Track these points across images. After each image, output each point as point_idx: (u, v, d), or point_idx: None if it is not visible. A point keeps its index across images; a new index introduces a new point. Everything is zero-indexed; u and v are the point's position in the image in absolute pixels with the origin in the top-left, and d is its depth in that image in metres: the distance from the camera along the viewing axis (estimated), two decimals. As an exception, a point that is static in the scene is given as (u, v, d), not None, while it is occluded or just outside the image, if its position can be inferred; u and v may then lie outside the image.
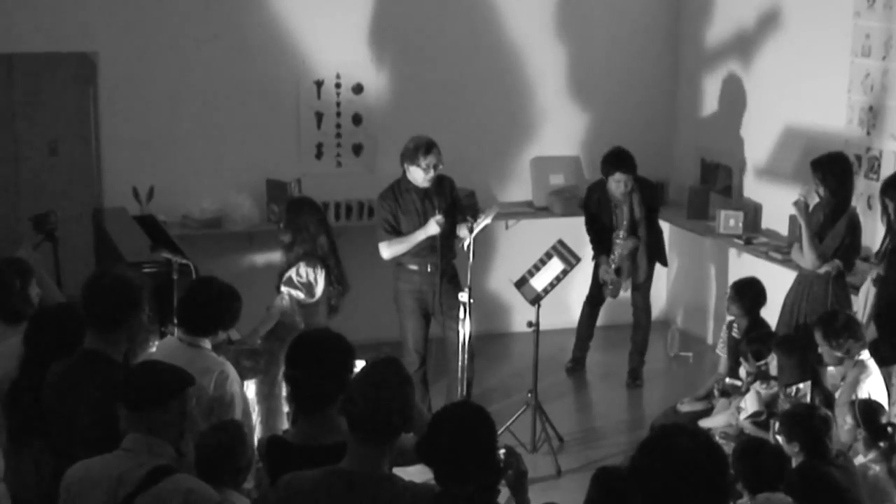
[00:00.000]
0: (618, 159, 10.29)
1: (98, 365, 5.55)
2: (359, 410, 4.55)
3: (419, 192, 9.24)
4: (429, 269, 9.29)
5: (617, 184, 10.27)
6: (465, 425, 4.57)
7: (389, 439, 4.61)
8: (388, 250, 9.31)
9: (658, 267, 10.95)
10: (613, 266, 10.52)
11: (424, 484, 4.71)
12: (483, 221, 9.08)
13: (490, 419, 4.64)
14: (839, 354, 7.76)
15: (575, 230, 10.71)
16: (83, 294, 5.78)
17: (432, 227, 9.09)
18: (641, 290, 10.84)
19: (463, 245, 9.10)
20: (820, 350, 7.87)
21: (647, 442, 3.74)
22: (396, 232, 9.26)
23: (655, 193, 10.84)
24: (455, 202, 9.45)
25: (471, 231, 9.00)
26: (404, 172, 9.25)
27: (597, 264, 10.72)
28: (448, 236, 9.22)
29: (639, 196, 10.38)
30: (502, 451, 4.73)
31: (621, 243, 10.45)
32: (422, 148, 9.11)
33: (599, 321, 11.25)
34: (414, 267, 9.32)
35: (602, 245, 10.57)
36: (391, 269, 9.56)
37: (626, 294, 10.90)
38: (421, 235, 9.16)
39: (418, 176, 9.15)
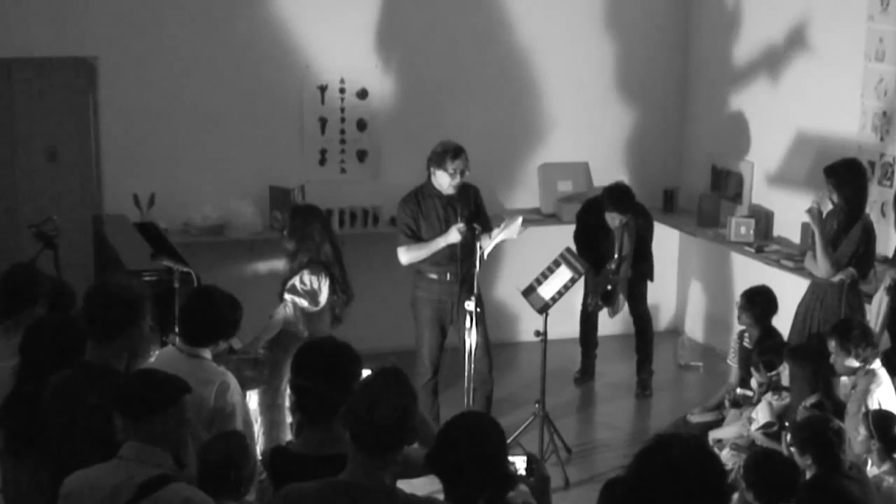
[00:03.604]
0: (615, 198, 10.32)
1: (99, 376, 5.49)
2: (360, 422, 4.49)
3: (442, 199, 9.14)
4: (448, 278, 9.18)
5: (612, 219, 10.31)
6: (474, 435, 4.53)
7: (391, 451, 4.54)
8: (406, 255, 9.21)
9: (666, 275, 11.18)
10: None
11: (427, 497, 4.69)
12: (500, 233, 8.97)
13: (500, 429, 4.61)
14: (855, 364, 7.70)
15: (583, 238, 10.64)
16: (84, 304, 5.75)
17: (453, 235, 8.98)
18: (637, 301, 10.85)
19: (483, 254, 8.98)
20: (832, 359, 7.79)
21: (643, 452, 3.78)
22: (417, 237, 9.16)
23: (650, 222, 10.79)
24: (479, 210, 9.31)
25: (477, 238, 8.87)
26: (429, 177, 9.15)
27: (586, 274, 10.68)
28: (468, 245, 9.06)
29: (632, 229, 10.38)
30: (524, 458, 4.72)
31: (612, 279, 10.50)
32: (450, 152, 9.01)
33: (608, 331, 11.25)
34: (433, 276, 9.21)
35: (588, 258, 10.50)
36: (396, 277, 9.49)
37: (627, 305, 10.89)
38: (441, 242, 9.05)
39: (444, 181, 9.04)
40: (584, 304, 10.98)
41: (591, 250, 10.41)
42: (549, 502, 4.78)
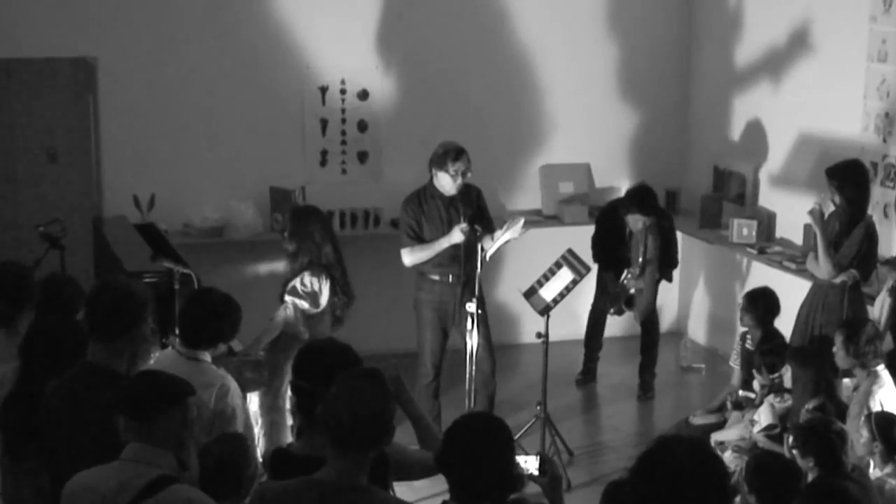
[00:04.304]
0: (638, 200, 10.30)
1: (101, 377, 5.46)
2: (335, 422, 4.49)
3: (444, 200, 9.12)
4: (450, 280, 9.14)
5: (635, 222, 10.28)
6: (482, 435, 4.51)
7: (367, 450, 4.54)
8: (409, 257, 9.18)
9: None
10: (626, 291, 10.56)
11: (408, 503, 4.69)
12: (504, 235, 8.95)
13: (507, 430, 4.60)
14: (854, 361, 7.67)
15: (585, 239, 10.63)
16: (87, 305, 5.73)
17: (456, 236, 8.94)
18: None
19: (486, 256, 8.95)
20: (834, 349, 7.78)
21: (646, 454, 3.79)
22: (419, 239, 9.13)
23: (672, 223, 10.81)
24: (481, 211, 9.28)
25: (478, 239, 8.84)
26: (431, 178, 9.13)
27: (602, 277, 10.70)
28: (471, 246, 9.02)
29: (656, 231, 10.34)
30: (536, 457, 4.70)
31: (634, 282, 10.46)
32: (451, 153, 8.98)
33: (610, 332, 11.17)
34: (435, 277, 9.18)
35: (608, 262, 10.52)
36: (397, 279, 9.46)
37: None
38: (444, 243, 9.01)
39: (446, 182, 9.02)
40: (594, 306, 10.96)
41: (612, 252, 10.41)
42: (561, 500, 4.76)
